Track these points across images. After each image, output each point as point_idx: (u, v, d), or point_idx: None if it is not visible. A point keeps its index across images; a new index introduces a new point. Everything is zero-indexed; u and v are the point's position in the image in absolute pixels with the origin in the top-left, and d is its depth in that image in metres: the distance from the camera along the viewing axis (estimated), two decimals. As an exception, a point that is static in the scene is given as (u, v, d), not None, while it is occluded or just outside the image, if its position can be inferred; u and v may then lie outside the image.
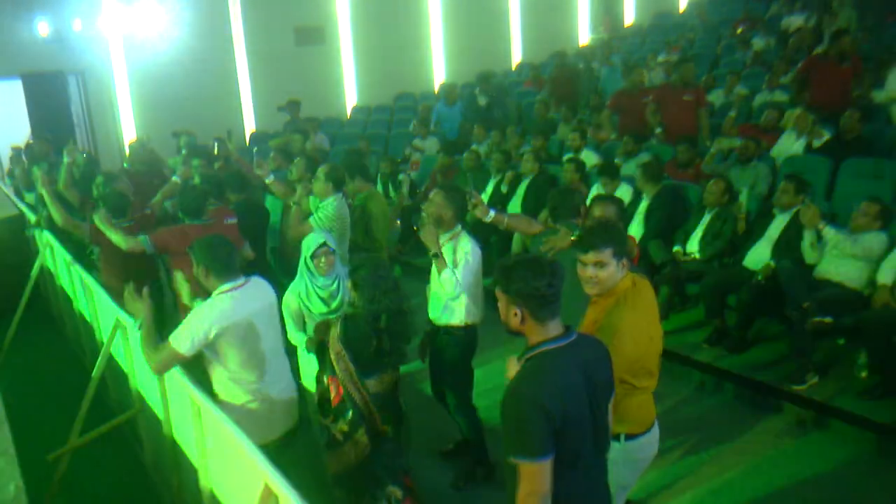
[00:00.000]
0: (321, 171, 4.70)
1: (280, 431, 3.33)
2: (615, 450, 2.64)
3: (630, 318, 2.59)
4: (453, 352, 3.82)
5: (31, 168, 7.61)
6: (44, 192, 5.11)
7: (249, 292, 3.21)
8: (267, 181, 5.14)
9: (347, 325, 3.19)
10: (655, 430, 2.81)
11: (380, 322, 3.13)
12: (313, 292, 3.75)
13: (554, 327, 2.23)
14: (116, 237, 4.49)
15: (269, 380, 3.24)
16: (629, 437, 2.70)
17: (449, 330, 3.79)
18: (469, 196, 3.71)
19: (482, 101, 10.16)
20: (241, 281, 3.19)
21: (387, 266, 3.35)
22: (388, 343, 3.15)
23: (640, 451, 2.76)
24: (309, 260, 3.74)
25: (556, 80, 10.17)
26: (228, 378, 3.17)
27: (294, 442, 3.48)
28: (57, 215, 5.05)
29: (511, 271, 2.21)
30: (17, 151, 9.04)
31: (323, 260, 3.70)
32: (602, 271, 2.61)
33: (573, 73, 10.26)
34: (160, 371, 3.17)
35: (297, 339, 3.77)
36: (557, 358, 2.20)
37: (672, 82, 7.85)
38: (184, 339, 3.02)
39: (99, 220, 4.59)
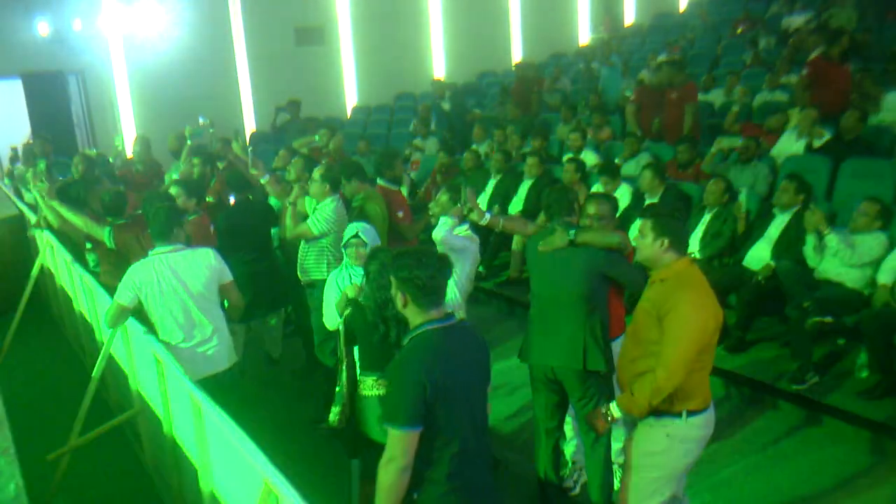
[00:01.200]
0: (317, 173, 4.67)
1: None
2: (676, 426, 2.77)
3: (690, 297, 2.71)
4: None
5: (28, 169, 7.62)
6: (37, 195, 5.12)
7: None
8: (262, 181, 5.10)
9: (354, 312, 3.24)
10: (713, 409, 2.89)
11: (387, 310, 3.08)
12: (349, 279, 3.80)
13: (435, 313, 2.43)
14: (76, 219, 4.77)
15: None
16: (691, 412, 2.79)
17: None
18: (465, 199, 3.73)
19: (446, 106, 10.41)
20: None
21: (383, 254, 3.34)
22: (396, 332, 3.09)
23: (702, 428, 2.83)
24: (343, 249, 3.87)
25: (515, 90, 10.32)
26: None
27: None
28: (52, 217, 5.07)
29: (400, 259, 2.47)
30: (16, 151, 9.05)
31: (353, 251, 3.79)
32: (642, 240, 2.86)
33: (531, 84, 10.39)
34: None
35: (334, 324, 3.79)
36: (435, 338, 2.40)
37: (655, 83, 7.88)
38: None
39: (57, 204, 4.83)
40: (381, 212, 4.93)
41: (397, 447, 2.27)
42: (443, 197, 3.99)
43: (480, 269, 6.29)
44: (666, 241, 2.80)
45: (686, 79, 7.77)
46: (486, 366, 2.59)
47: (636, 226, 5.74)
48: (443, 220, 3.95)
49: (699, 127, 7.54)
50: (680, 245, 2.84)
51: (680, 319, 2.68)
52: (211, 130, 7.72)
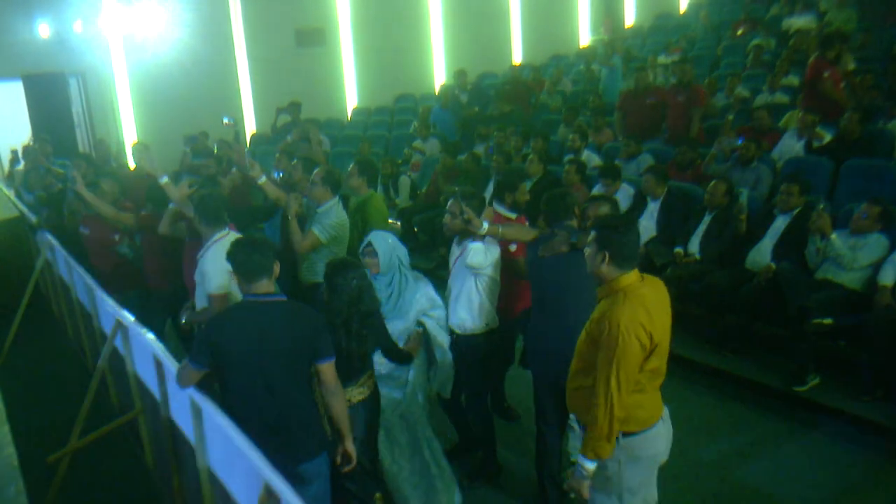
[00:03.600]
0: (317, 176, 4.60)
1: None
2: (617, 449, 2.65)
3: (622, 316, 2.54)
4: (475, 357, 3.85)
5: (30, 171, 7.64)
6: (81, 191, 5.13)
7: None
8: (259, 182, 5.05)
9: None
10: (659, 428, 2.77)
11: (352, 327, 3.07)
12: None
13: (256, 287, 2.83)
14: (105, 209, 5.06)
15: None
16: (626, 434, 2.68)
17: (470, 338, 3.82)
18: (461, 210, 3.68)
19: (463, 98, 10.26)
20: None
21: (358, 267, 3.24)
22: (357, 347, 3.09)
23: (640, 449, 2.72)
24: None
25: (508, 95, 10.29)
26: None
27: None
28: (102, 209, 5.10)
29: (235, 246, 2.87)
30: (17, 153, 9.05)
31: (367, 260, 3.60)
32: (587, 251, 2.75)
33: (525, 90, 10.39)
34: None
35: None
36: (242, 308, 2.88)
37: (670, 85, 7.90)
38: None
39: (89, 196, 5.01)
40: (382, 214, 4.92)
41: (183, 375, 2.88)
42: (454, 207, 3.78)
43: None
44: (606, 255, 2.63)
45: (693, 80, 7.81)
46: (290, 348, 2.80)
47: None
48: (472, 246, 3.71)
49: (703, 132, 7.55)
50: (622, 259, 2.63)
51: (610, 341, 2.53)
52: (237, 130, 7.72)
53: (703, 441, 4.29)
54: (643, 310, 2.58)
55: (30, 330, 6.22)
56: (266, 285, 2.85)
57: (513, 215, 4.25)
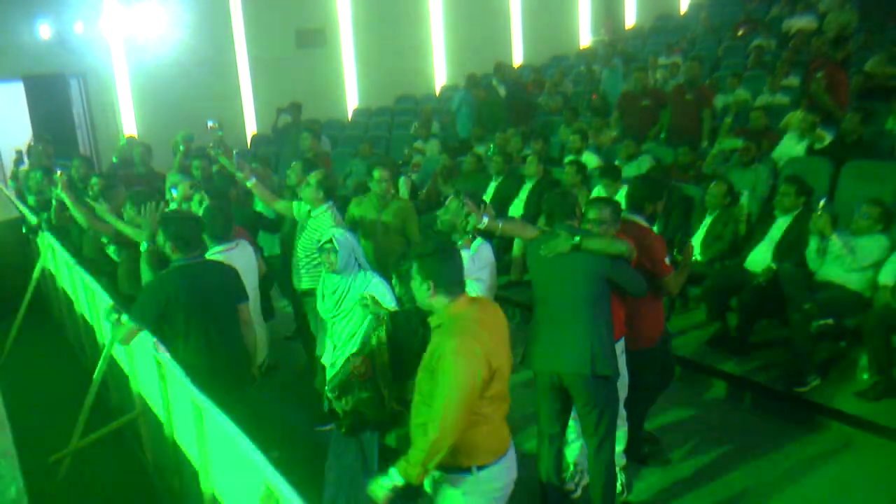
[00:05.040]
0: (313, 178, 4.58)
1: None
2: (467, 482, 2.57)
3: (457, 345, 2.46)
4: None
5: (29, 173, 7.62)
6: (62, 194, 5.10)
7: None
8: (248, 184, 5.02)
9: (395, 324, 3.12)
10: (510, 455, 2.69)
11: (422, 312, 2.94)
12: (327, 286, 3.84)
13: (190, 254, 3.56)
14: (82, 215, 5.02)
15: None
16: (481, 467, 2.58)
17: None
18: (462, 204, 3.69)
19: (501, 91, 10.10)
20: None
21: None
22: (423, 333, 3.00)
23: (494, 481, 2.63)
24: (317, 251, 3.87)
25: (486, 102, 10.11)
26: None
27: None
28: (80, 216, 5.05)
29: (166, 218, 3.65)
30: (20, 154, 9.05)
31: (325, 256, 3.75)
32: (412, 282, 2.65)
33: (523, 88, 10.34)
34: None
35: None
36: (182, 269, 3.54)
37: (675, 84, 7.91)
38: None
39: (101, 210, 4.82)
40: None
41: (122, 332, 3.53)
42: (452, 203, 3.90)
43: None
44: (431, 284, 2.54)
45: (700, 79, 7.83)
46: (229, 300, 3.66)
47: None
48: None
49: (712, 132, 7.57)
50: (449, 286, 2.55)
51: (446, 372, 2.42)
52: (220, 133, 7.68)
53: (704, 442, 4.29)
54: (477, 335, 2.50)
55: (30, 330, 6.22)
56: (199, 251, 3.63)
57: (650, 225, 3.90)
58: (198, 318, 3.50)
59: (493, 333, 2.58)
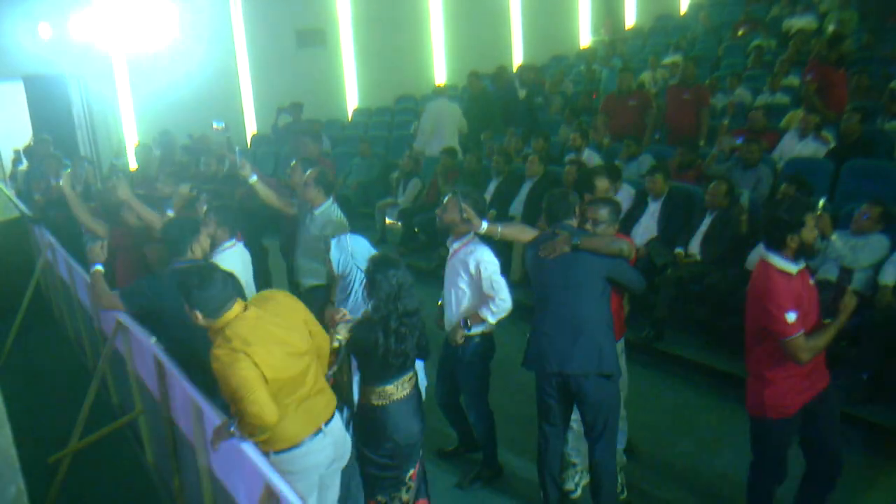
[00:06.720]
0: (310, 177, 4.55)
1: None
2: (276, 461, 2.65)
3: (226, 353, 2.57)
4: (474, 358, 3.85)
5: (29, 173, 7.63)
6: (67, 192, 5.08)
7: None
8: (250, 181, 5.01)
9: (358, 329, 3.11)
10: (310, 444, 2.78)
11: (390, 324, 3.02)
12: None
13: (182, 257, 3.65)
14: (80, 211, 4.94)
15: None
16: (277, 452, 2.73)
17: (469, 338, 3.81)
18: (461, 209, 3.68)
19: (522, 93, 10.08)
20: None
21: (399, 264, 3.18)
22: (395, 345, 3.04)
23: (290, 464, 2.74)
24: None
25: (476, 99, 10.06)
26: None
27: None
28: (77, 211, 5.02)
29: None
30: (20, 153, 9.05)
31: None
32: None
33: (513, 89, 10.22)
34: None
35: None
36: (174, 273, 3.35)
37: (671, 84, 7.89)
38: None
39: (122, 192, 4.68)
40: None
41: (112, 299, 3.70)
42: (449, 202, 3.88)
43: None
44: (198, 314, 2.67)
45: (696, 79, 7.81)
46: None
47: (641, 228, 5.78)
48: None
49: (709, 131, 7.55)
50: (213, 311, 2.66)
51: (223, 378, 2.58)
52: (227, 136, 7.66)
53: (704, 442, 4.28)
54: (243, 340, 2.59)
55: (30, 330, 6.22)
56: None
57: (794, 268, 3.05)
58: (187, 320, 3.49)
59: (272, 326, 2.72)
